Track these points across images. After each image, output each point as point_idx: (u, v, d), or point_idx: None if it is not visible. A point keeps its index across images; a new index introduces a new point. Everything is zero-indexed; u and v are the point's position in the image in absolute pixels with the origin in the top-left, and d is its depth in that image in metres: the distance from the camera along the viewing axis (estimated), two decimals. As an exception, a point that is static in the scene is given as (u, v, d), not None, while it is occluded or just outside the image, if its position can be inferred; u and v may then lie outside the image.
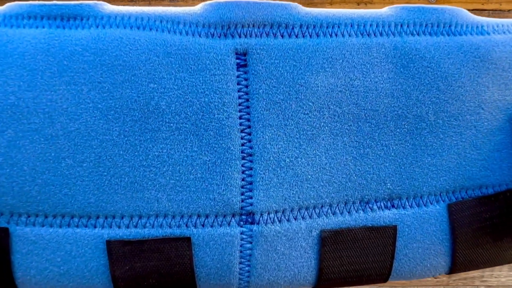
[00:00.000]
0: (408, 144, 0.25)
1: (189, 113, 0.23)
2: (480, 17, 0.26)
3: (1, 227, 0.23)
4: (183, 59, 0.23)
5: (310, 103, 0.24)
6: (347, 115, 0.24)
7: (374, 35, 0.25)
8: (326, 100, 0.24)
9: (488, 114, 0.25)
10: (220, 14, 0.24)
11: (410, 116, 0.25)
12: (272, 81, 0.24)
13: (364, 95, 0.24)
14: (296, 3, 0.25)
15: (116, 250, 0.23)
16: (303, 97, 0.24)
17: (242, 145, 0.24)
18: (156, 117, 0.23)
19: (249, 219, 0.24)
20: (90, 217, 0.23)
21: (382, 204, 0.25)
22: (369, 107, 0.25)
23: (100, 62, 0.23)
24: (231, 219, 0.24)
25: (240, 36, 0.24)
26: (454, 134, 0.25)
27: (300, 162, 0.24)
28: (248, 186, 0.24)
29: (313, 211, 0.25)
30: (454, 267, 0.26)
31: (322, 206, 0.25)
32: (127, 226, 0.24)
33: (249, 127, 0.24)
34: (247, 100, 0.24)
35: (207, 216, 0.24)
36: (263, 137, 0.24)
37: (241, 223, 0.24)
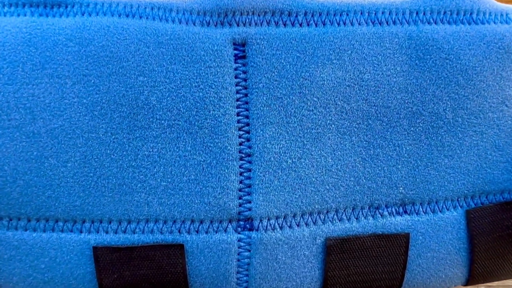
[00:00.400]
0: (423, 144, 0.23)
1: (182, 109, 0.22)
2: (504, 5, 0.24)
3: None
4: (175, 49, 0.22)
5: (315, 99, 0.22)
6: (355, 112, 0.22)
7: (387, 23, 0.23)
8: (333, 96, 0.22)
9: None
10: (217, 0, 0.22)
11: (425, 114, 0.23)
12: (273, 74, 0.22)
13: (375, 90, 0.22)
14: (300, -11, 0.23)
15: (104, 257, 0.22)
16: (307, 92, 0.22)
17: (240, 144, 0.22)
18: (146, 113, 0.22)
19: (247, 225, 0.22)
20: (76, 221, 0.22)
21: (393, 209, 0.23)
22: (380, 104, 0.23)
23: (86, 53, 0.21)
24: (228, 225, 0.22)
25: (238, 25, 0.22)
26: (474, 133, 0.23)
27: (303, 164, 0.22)
28: (246, 189, 0.22)
29: (318, 217, 0.23)
30: (472, 279, 0.24)
31: (327, 212, 0.23)
32: (115, 232, 0.22)
33: (247, 124, 0.22)
34: (246, 95, 0.22)
35: (201, 222, 0.22)
36: (263, 135, 0.22)
37: (239, 229, 0.22)
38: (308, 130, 0.22)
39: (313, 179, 0.22)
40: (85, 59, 0.21)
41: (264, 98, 0.22)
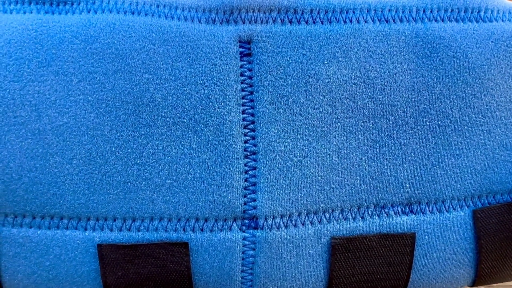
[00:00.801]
0: (430, 143, 0.23)
1: (187, 106, 0.22)
2: (513, 2, 0.24)
3: None
4: (181, 47, 0.21)
5: (321, 97, 0.22)
6: (362, 110, 0.22)
7: (394, 21, 0.22)
8: (339, 94, 0.22)
9: None
10: None
11: (432, 112, 0.23)
12: (279, 72, 0.22)
13: (381, 88, 0.22)
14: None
15: (108, 255, 0.22)
16: (313, 90, 0.22)
17: (245, 142, 0.22)
18: (151, 110, 0.21)
19: (252, 224, 0.22)
20: (81, 219, 0.22)
21: (399, 209, 0.23)
22: (386, 102, 0.22)
23: (91, 51, 0.21)
24: (233, 223, 0.22)
25: (244, 22, 0.22)
26: (481, 132, 0.23)
27: (309, 162, 0.22)
28: (251, 188, 0.22)
29: (323, 216, 0.22)
30: (478, 279, 0.24)
31: (332, 211, 0.23)
32: (120, 229, 0.22)
33: (253, 122, 0.22)
34: (251, 92, 0.22)
35: (206, 220, 0.22)
36: (268, 133, 0.22)
37: (244, 228, 0.22)
38: (314, 128, 0.22)
39: (319, 178, 0.22)
40: (90, 57, 0.21)
41: (270, 96, 0.22)
